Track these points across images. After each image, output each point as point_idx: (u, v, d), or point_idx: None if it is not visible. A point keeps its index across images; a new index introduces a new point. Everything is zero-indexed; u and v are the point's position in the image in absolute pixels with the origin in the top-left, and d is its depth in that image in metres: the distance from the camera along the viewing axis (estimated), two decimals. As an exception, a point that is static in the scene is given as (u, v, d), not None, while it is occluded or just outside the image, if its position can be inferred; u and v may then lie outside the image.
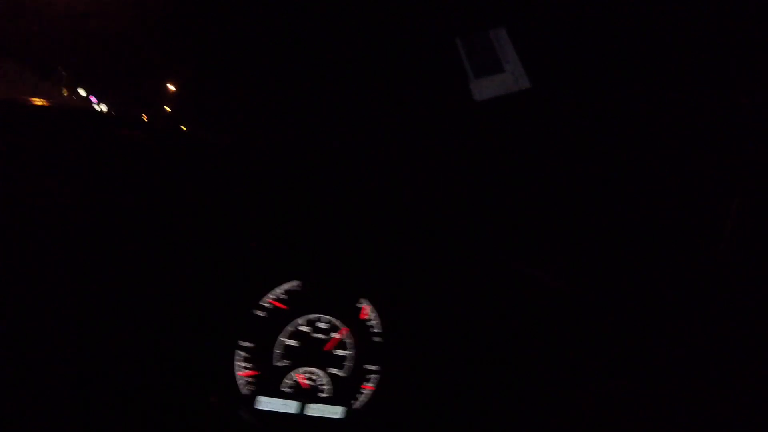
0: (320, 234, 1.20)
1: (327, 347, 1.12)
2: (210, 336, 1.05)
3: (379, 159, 1.52)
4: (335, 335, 1.12)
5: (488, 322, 1.19)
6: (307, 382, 1.11)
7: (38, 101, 1.28)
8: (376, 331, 1.16)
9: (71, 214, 1.08)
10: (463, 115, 1.32)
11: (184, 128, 1.58)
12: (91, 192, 1.13)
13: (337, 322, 1.13)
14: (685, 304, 1.03)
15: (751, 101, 1.08)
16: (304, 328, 1.11)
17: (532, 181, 1.32)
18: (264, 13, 1.35)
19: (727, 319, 0.97)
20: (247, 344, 1.06)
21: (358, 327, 1.15)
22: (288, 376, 1.10)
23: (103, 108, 1.43)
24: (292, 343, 1.10)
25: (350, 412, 1.13)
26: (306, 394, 1.11)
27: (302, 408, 1.10)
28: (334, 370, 1.13)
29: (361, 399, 1.15)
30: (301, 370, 1.11)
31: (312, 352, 1.11)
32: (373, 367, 1.15)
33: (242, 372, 1.06)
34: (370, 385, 1.15)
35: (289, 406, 1.10)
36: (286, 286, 1.10)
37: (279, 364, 1.09)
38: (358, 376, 1.14)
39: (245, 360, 1.06)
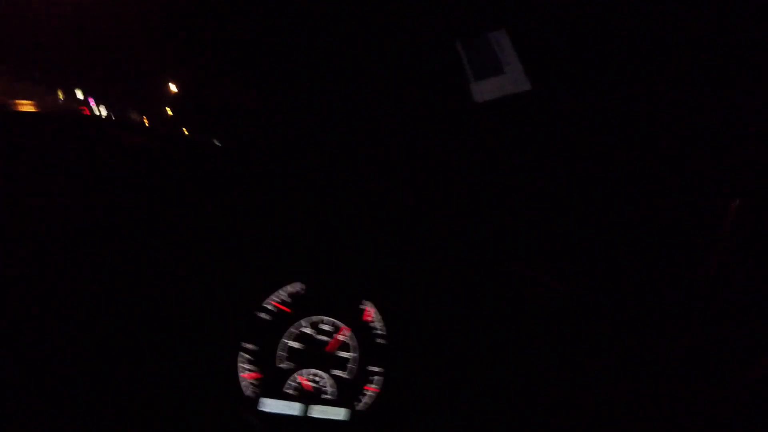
0: (322, 236, 1.20)
1: (329, 348, 1.13)
2: (213, 338, 1.05)
3: (380, 161, 1.52)
4: (337, 336, 1.13)
5: (489, 323, 1.19)
6: (310, 384, 1.11)
7: (38, 106, 1.29)
8: (379, 332, 1.16)
9: (74, 217, 1.09)
10: (462, 117, 1.32)
11: (186, 131, 1.58)
12: (94, 195, 1.14)
13: (340, 324, 1.13)
14: (685, 304, 1.03)
15: (751, 101, 1.08)
16: (307, 330, 1.12)
17: (533, 183, 1.32)
18: (265, 14, 1.34)
19: (727, 319, 0.97)
20: (250, 346, 1.07)
21: (362, 329, 1.15)
22: (291, 378, 1.10)
23: (103, 111, 1.43)
24: (295, 345, 1.10)
25: (354, 414, 1.14)
26: (310, 396, 1.11)
27: (306, 410, 1.11)
28: (337, 372, 1.13)
29: (365, 401, 1.15)
30: (305, 372, 1.11)
31: (315, 354, 1.12)
32: (376, 369, 1.16)
33: (246, 374, 1.07)
34: (373, 386, 1.16)
35: (293, 408, 1.10)
36: (289, 288, 1.11)
37: (282, 366, 1.09)
38: (361, 378, 1.15)
39: (248, 362, 1.07)
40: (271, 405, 1.09)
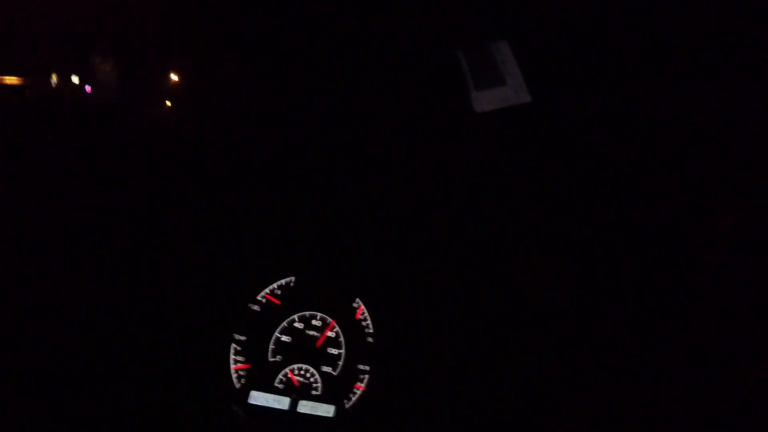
0: (316, 232, 1.20)
1: (318, 343, 1.11)
2: (207, 329, 1.05)
3: (378, 161, 1.52)
4: (326, 332, 1.12)
5: (481, 323, 1.18)
6: (299, 378, 1.10)
7: (35, 97, 1.28)
8: (368, 331, 1.15)
9: (68, 212, 1.09)
10: (463, 127, 1.32)
11: (183, 126, 1.58)
12: (89, 190, 1.13)
13: (330, 320, 1.12)
14: (684, 304, 1.02)
15: (751, 101, 1.08)
16: (298, 325, 1.11)
17: (531, 191, 1.31)
18: (266, 16, 1.35)
19: (727, 319, 0.96)
20: (241, 338, 1.06)
21: (352, 326, 1.14)
22: (281, 372, 1.09)
23: (100, 101, 1.41)
24: (286, 339, 1.09)
25: (342, 411, 1.12)
26: (298, 391, 1.10)
27: (294, 405, 1.09)
28: (326, 369, 1.12)
29: (352, 398, 1.13)
30: (295, 367, 1.10)
31: (306, 350, 1.11)
32: (364, 368, 1.14)
33: (236, 365, 1.06)
34: (360, 384, 1.14)
35: (282, 403, 1.08)
36: (282, 281, 1.11)
37: (272, 359, 1.08)
38: (350, 376, 1.13)
39: (239, 353, 1.06)
40: (260, 398, 1.07)
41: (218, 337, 1.05)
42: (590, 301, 1.14)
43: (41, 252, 1.03)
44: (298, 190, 1.28)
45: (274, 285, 1.10)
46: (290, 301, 1.11)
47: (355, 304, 1.15)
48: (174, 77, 1.55)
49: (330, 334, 1.12)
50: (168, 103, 1.56)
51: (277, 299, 1.10)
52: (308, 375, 1.11)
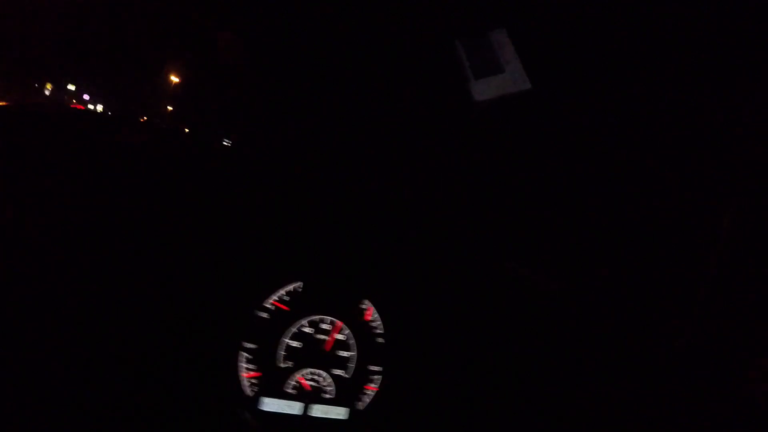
0: (321, 235, 1.20)
1: (327, 346, 1.12)
2: (214, 337, 1.05)
3: (380, 159, 1.52)
4: (334, 334, 1.13)
5: (489, 322, 1.19)
6: (309, 383, 1.11)
7: (35, 104, 1.27)
8: (378, 332, 1.16)
9: (73, 216, 1.08)
10: (462, 116, 1.32)
11: (185, 129, 1.57)
12: (93, 194, 1.13)
13: (338, 322, 1.13)
14: (684, 304, 1.03)
15: (751, 101, 1.08)
16: (307, 329, 1.11)
17: (533, 182, 1.32)
18: (265, 13, 1.34)
19: (727, 319, 0.97)
20: (251, 346, 1.06)
21: (361, 328, 1.15)
22: (291, 377, 1.10)
23: (99, 107, 1.41)
24: (295, 344, 1.10)
25: (354, 413, 1.14)
26: (309, 395, 1.11)
27: (306, 409, 1.10)
28: (337, 371, 1.13)
29: (365, 400, 1.15)
30: (305, 371, 1.11)
31: (315, 353, 1.11)
32: (376, 368, 1.16)
33: (246, 373, 1.06)
34: (373, 385, 1.15)
35: (293, 408, 1.10)
36: (289, 287, 1.10)
37: (282, 365, 1.09)
38: (361, 377, 1.15)
39: (249, 361, 1.06)
40: (271, 404, 1.08)
41: (227, 345, 1.05)
42: (590, 301, 1.16)
43: (43, 255, 1.02)
44: (300, 195, 1.28)
45: (282, 291, 1.10)
46: (298, 306, 1.11)
47: (363, 306, 1.15)
48: (174, 78, 1.54)
49: (340, 336, 1.13)
50: (169, 108, 1.55)
51: (285, 305, 1.10)
52: (320, 379, 1.12)
